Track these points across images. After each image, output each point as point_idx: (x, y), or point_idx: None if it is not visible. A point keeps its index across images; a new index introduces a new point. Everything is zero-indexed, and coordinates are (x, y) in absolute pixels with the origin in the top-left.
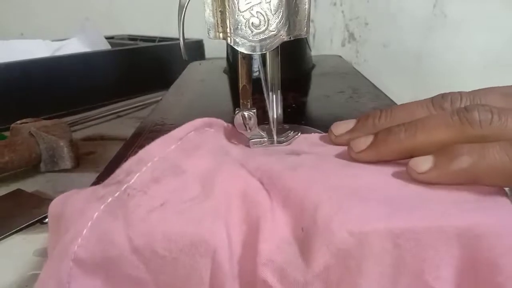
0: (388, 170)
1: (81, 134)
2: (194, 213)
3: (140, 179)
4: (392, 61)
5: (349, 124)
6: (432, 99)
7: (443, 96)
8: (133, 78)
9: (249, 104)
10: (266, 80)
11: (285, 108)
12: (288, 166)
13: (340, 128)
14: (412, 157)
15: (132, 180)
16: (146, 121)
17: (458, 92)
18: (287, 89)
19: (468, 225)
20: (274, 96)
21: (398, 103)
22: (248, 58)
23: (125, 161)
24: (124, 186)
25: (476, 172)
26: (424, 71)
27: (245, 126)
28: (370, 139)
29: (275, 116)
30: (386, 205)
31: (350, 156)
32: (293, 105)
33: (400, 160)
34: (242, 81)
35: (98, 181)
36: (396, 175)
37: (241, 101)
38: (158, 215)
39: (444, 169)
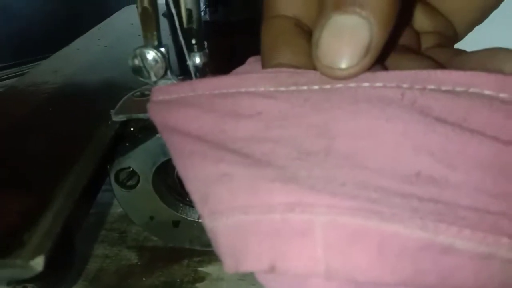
0: None
1: None
2: None
3: None
4: None
5: None
6: None
7: None
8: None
9: (155, 37)
10: (179, 13)
11: (232, 55)
12: None
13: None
14: None
15: None
16: (36, 70)
17: None
18: (238, 32)
19: None
20: (191, 35)
21: None
22: None
23: None
24: None
25: None
26: None
27: (147, 72)
28: None
29: (196, 62)
30: None
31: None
32: (243, 52)
33: None
34: (142, 2)
35: None
36: None
37: (142, 33)
38: None
39: None
